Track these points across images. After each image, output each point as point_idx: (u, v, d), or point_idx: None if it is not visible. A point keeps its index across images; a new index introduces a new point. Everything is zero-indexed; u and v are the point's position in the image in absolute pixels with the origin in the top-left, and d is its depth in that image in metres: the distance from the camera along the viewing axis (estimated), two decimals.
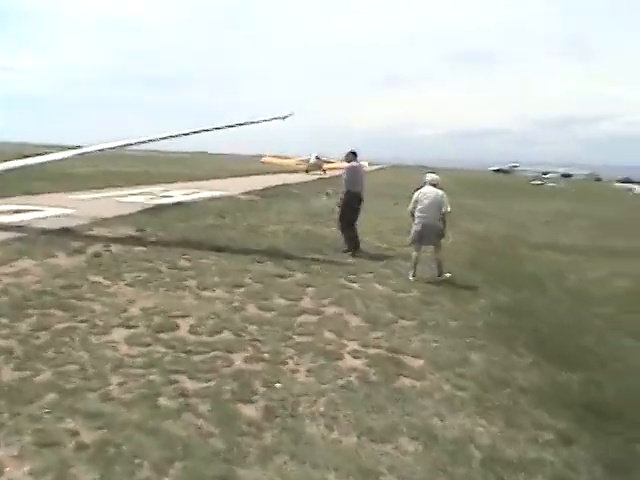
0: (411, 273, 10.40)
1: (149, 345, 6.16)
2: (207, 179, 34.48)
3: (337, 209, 13.21)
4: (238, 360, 5.98)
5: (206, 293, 8.42)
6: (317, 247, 12.84)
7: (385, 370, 6.06)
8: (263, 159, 55.87)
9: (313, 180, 41.77)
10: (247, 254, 11.34)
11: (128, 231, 12.89)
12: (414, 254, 10.49)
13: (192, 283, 8.85)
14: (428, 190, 10.36)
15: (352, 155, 12.96)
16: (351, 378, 5.79)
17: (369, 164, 61.63)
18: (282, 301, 8.35)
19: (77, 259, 9.82)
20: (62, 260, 9.71)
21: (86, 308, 7.20)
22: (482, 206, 29.56)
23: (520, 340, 7.38)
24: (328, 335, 7.05)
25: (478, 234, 17.62)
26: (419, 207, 10.28)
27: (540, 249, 15.28)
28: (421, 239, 10.44)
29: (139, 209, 16.38)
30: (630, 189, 73.11)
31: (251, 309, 7.85)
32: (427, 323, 7.87)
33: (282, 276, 9.83)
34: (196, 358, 5.93)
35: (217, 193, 23.54)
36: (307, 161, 48.46)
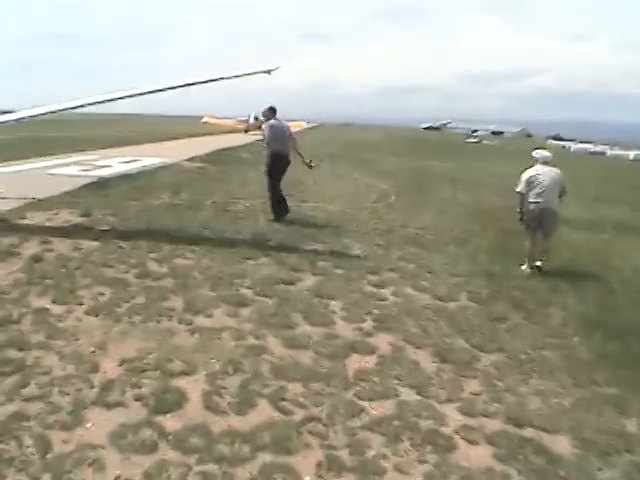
0: (526, 265, 9.02)
1: (154, 449, 3.69)
2: (141, 143, 31.02)
3: (264, 173, 11.51)
4: (309, 473, 3.62)
5: (202, 320, 5.94)
6: (309, 232, 10.43)
7: (534, 468, 3.86)
8: (204, 120, 52.58)
9: (254, 141, 38.80)
10: (231, 246, 8.86)
11: (71, 217, 10.08)
12: (529, 243, 9.11)
13: (178, 303, 6.32)
14: (544, 170, 8.93)
15: (271, 111, 11.34)
16: None
17: (307, 123, 59.70)
18: (310, 328, 6.00)
19: (10, 267, 7.08)
20: None
21: (33, 366, 4.63)
22: (445, 168, 27.51)
23: None
24: (407, 395, 4.76)
25: (471, 206, 15.53)
26: (536, 190, 8.78)
27: None
28: (539, 225, 8.96)
29: (77, 185, 13.39)
30: (564, 146, 73.23)
31: (275, 347, 5.46)
32: (519, 357, 5.73)
33: (289, 282, 7.44)
34: (242, 474, 3.52)
35: (158, 160, 20.55)
36: (246, 121, 45.59)
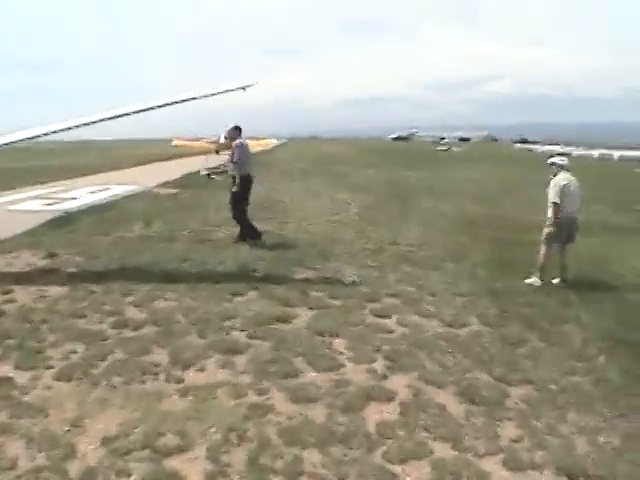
0: (535, 277, 8.48)
1: None
2: (106, 171, 30.05)
3: (230, 196, 11.14)
4: None
5: (193, 376, 5.19)
6: (296, 257, 9.72)
7: None
8: (174, 143, 51.37)
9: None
10: (214, 281, 8.13)
11: (34, 259, 9.25)
12: (545, 253, 8.52)
13: (163, 356, 5.56)
14: (571, 178, 8.57)
15: (236, 131, 10.93)
16: None
17: (277, 139, 59.46)
18: (316, 375, 5.28)
19: None
20: None
21: None
22: (418, 178, 26.98)
23: None
24: (441, 450, 4.06)
25: (454, 216, 14.93)
26: (569, 200, 8.39)
27: None
28: (564, 236, 8.55)
29: (40, 221, 12.52)
30: (531, 150, 73.52)
31: (281, 402, 4.72)
32: (549, 388, 5.11)
33: (284, 319, 6.72)
34: None
35: (129, 188, 19.75)
36: (217, 141, 44.35)
